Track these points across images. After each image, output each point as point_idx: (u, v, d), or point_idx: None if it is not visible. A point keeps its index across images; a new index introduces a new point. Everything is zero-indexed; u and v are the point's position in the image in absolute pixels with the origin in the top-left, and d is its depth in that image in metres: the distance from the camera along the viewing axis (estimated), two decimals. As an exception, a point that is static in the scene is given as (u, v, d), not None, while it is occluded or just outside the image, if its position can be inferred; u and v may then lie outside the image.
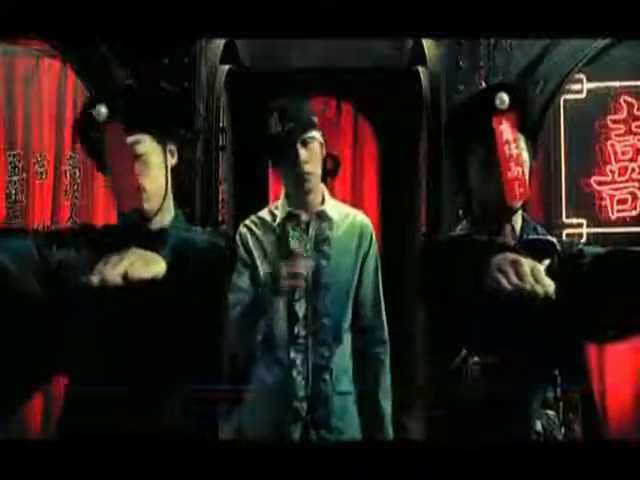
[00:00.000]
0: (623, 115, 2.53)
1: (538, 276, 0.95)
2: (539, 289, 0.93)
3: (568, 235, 2.46)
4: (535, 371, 1.27)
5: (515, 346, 1.23)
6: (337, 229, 1.71)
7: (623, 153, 2.53)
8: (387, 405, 1.69)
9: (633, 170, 2.54)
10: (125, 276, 0.93)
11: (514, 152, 1.31)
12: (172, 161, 1.39)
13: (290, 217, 1.70)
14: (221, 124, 2.59)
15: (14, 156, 3.00)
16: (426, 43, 2.42)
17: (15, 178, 2.91)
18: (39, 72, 3.08)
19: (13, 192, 2.90)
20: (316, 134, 1.67)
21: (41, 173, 2.94)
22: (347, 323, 1.70)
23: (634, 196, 2.53)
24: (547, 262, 1.32)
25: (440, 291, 1.27)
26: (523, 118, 1.36)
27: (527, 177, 1.34)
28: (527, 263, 0.97)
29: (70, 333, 1.12)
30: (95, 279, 0.92)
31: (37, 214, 2.97)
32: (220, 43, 2.50)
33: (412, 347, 2.60)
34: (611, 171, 2.54)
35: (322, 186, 1.74)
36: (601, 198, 2.54)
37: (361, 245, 1.73)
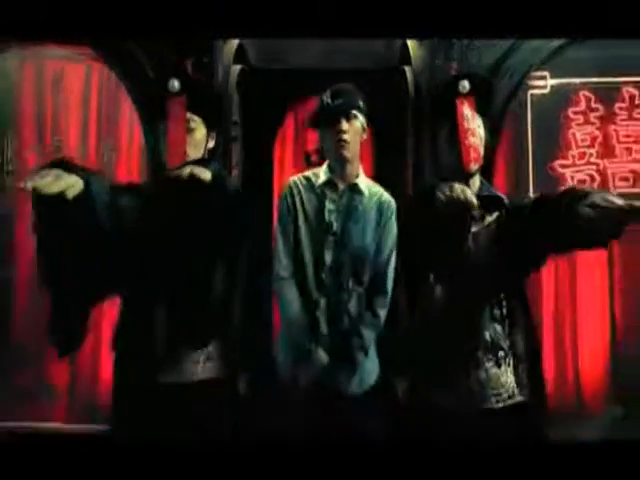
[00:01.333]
0: (582, 107, 2.91)
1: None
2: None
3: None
4: (486, 292, 1.65)
5: (471, 273, 1.61)
6: (366, 203, 2.00)
7: (582, 140, 2.91)
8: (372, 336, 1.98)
9: (591, 155, 2.92)
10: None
11: (471, 126, 1.69)
12: (210, 143, 1.78)
13: (329, 183, 1.99)
14: (234, 117, 2.96)
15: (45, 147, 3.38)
16: (411, 44, 2.79)
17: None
18: (66, 73, 3.46)
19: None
20: (360, 115, 1.95)
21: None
22: (365, 276, 1.96)
23: (592, 177, 2.91)
24: (496, 213, 1.71)
25: (412, 234, 1.65)
26: (481, 101, 1.74)
27: (481, 147, 1.72)
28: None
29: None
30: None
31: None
32: (233, 45, 2.87)
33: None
34: (572, 156, 2.92)
35: (359, 164, 2.03)
36: (563, 179, 2.92)
37: (382, 220, 2.00)
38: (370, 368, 2.00)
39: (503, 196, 1.75)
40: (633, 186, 2.85)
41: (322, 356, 1.92)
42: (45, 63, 3.46)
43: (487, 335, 1.64)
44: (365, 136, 2.00)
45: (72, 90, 3.48)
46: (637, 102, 2.87)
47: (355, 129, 1.95)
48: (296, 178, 2.05)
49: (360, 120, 1.96)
